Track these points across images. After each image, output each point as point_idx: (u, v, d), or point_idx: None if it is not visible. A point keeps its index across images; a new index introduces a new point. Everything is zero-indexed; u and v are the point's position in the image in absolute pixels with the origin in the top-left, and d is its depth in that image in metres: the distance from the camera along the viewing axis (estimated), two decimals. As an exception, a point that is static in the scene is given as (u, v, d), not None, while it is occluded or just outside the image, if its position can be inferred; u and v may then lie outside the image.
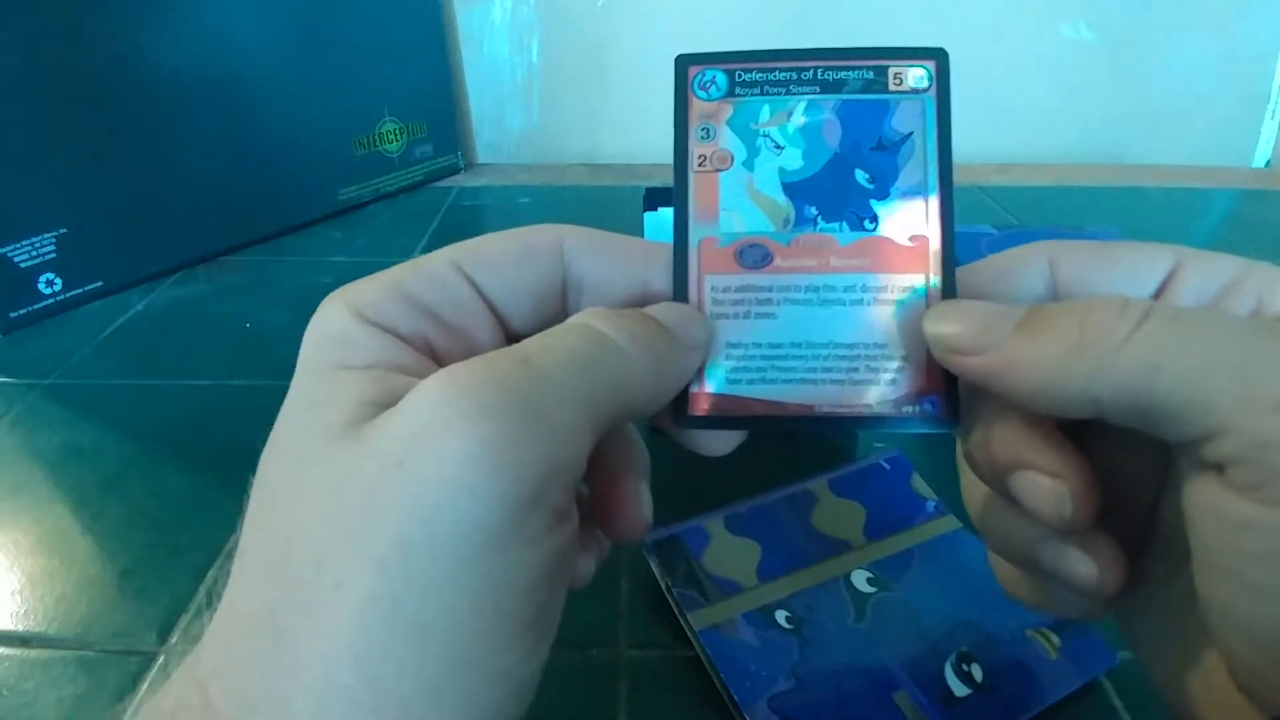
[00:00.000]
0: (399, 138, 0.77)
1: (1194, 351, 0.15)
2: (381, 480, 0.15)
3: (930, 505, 0.36)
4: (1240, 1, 0.80)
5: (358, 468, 0.15)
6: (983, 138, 0.84)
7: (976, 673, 0.29)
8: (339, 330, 0.18)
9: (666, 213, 0.47)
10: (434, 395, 0.15)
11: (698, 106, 0.21)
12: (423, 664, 0.15)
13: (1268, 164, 0.87)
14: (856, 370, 0.20)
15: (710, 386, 0.20)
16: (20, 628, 0.33)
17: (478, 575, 0.15)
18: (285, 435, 0.17)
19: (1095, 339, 0.16)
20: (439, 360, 0.19)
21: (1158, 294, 0.18)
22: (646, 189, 0.49)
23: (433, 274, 0.19)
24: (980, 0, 0.81)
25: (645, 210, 0.48)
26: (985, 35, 0.82)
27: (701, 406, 0.20)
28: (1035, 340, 0.17)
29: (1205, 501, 0.16)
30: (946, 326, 0.19)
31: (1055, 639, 0.30)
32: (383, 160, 0.77)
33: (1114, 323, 0.16)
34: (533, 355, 0.16)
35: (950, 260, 0.20)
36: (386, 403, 0.16)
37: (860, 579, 0.32)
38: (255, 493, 0.17)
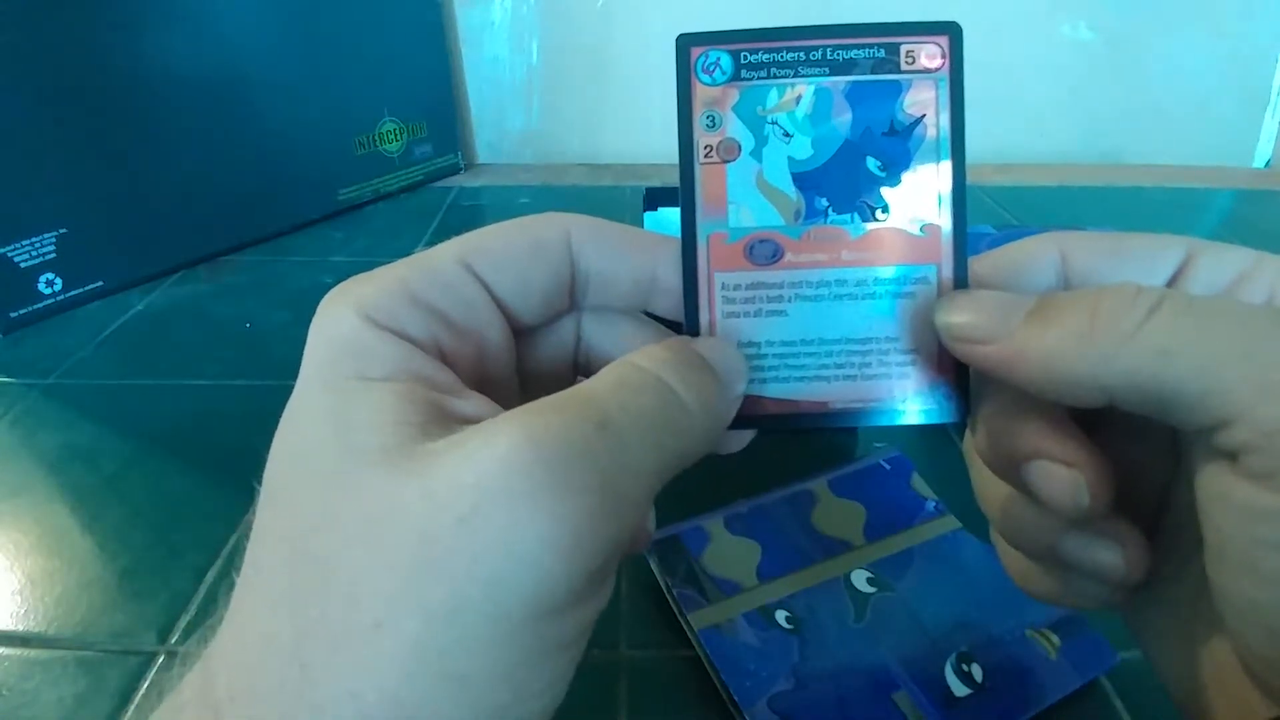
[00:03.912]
0: (399, 138, 0.77)
1: (1207, 339, 0.15)
2: (439, 529, 0.14)
3: (930, 505, 0.36)
4: (1240, 1, 0.80)
5: (410, 506, 0.15)
6: (983, 138, 0.84)
7: (976, 673, 0.29)
8: (351, 336, 0.17)
9: (666, 212, 0.47)
10: (508, 453, 0.14)
11: (702, 92, 0.20)
12: (462, 711, 0.14)
13: (1268, 164, 0.87)
14: (869, 365, 0.20)
15: None
16: (20, 628, 0.33)
17: (529, 638, 0.15)
18: (312, 453, 0.16)
19: (1107, 327, 0.16)
20: (447, 362, 0.18)
21: (1169, 285, 0.18)
22: (646, 189, 0.49)
23: (442, 275, 0.18)
24: (981, 0, 0.81)
25: (645, 210, 0.48)
26: (985, 35, 0.82)
27: None
28: (1047, 328, 0.17)
29: (1218, 490, 0.16)
30: (957, 316, 0.19)
31: (1055, 639, 0.30)
32: (383, 160, 0.77)
33: (1126, 310, 0.16)
34: (611, 418, 0.16)
35: (962, 249, 0.20)
36: (420, 423, 0.16)
37: (860, 579, 0.32)
38: (274, 508, 0.17)
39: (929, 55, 0.19)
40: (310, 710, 0.14)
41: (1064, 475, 0.18)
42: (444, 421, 0.16)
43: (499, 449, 0.15)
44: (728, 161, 0.20)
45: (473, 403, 0.17)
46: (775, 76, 0.20)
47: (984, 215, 0.72)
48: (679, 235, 0.20)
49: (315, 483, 0.16)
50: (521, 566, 0.14)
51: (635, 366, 0.17)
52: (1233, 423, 0.15)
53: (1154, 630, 0.20)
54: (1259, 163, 0.87)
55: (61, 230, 0.57)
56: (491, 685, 0.15)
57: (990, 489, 0.21)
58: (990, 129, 0.85)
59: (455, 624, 0.14)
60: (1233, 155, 0.86)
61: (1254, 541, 0.15)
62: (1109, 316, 0.16)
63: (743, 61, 0.20)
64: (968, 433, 0.21)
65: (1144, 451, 0.20)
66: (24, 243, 0.55)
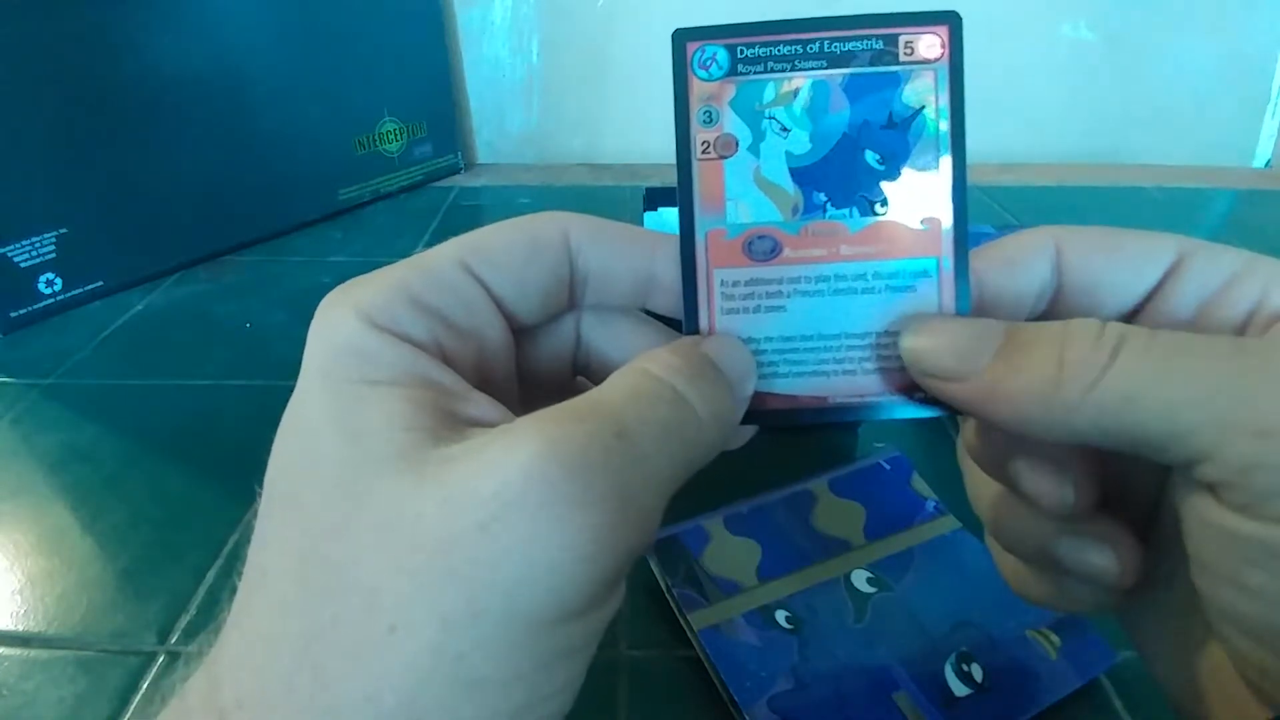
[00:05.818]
0: (399, 138, 0.77)
1: (1169, 382, 0.15)
2: (458, 536, 0.14)
3: (930, 505, 0.36)
4: (1240, 1, 0.80)
5: (428, 513, 0.15)
6: (983, 138, 0.84)
7: (976, 673, 0.29)
8: (353, 340, 0.17)
9: (666, 212, 0.47)
10: (530, 462, 0.15)
11: (698, 87, 0.19)
12: (477, 714, 0.15)
13: (1268, 164, 0.87)
14: (868, 359, 0.20)
15: None
16: (20, 628, 0.33)
17: (546, 642, 0.15)
18: (320, 457, 0.16)
19: (1073, 373, 0.16)
20: (448, 363, 0.18)
21: (1160, 285, 0.18)
22: (646, 189, 0.49)
23: (441, 275, 0.18)
24: (980, 0, 0.81)
25: (645, 210, 0.48)
26: (985, 35, 0.81)
27: None
28: (1014, 372, 0.17)
29: (1200, 514, 0.16)
30: (924, 345, 0.18)
31: (1055, 639, 0.30)
32: (383, 160, 0.77)
33: (1091, 353, 0.16)
34: (629, 427, 0.16)
35: (963, 241, 0.19)
36: (431, 427, 0.16)
37: (860, 579, 0.32)
38: (280, 512, 0.16)
39: (928, 45, 0.19)
40: (323, 714, 0.14)
41: (1050, 471, 0.18)
42: (454, 425, 0.16)
43: (520, 458, 0.15)
44: (725, 157, 0.20)
45: (480, 405, 0.17)
46: (772, 70, 0.19)
47: (984, 215, 0.72)
48: (677, 233, 0.20)
49: (325, 487, 0.16)
50: (542, 574, 0.14)
51: (649, 375, 0.17)
52: (1203, 461, 0.15)
53: (1148, 632, 0.20)
54: (1259, 163, 0.87)
55: (61, 230, 0.57)
56: (507, 688, 0.15)
57: (983, 490, 0.21)
58: (990, 129, 0.85)
59: (472, 629, 0.14)
60: (1233, 155, 0.86)
61: (1238, 559, 0.15)
62: (1074, 360, 0.16)
63: (739, 56, 0.19)
64: (960, 433, 0.21)
65: (1134, 459, 0.20)
66: (24, 243, 0.55)
